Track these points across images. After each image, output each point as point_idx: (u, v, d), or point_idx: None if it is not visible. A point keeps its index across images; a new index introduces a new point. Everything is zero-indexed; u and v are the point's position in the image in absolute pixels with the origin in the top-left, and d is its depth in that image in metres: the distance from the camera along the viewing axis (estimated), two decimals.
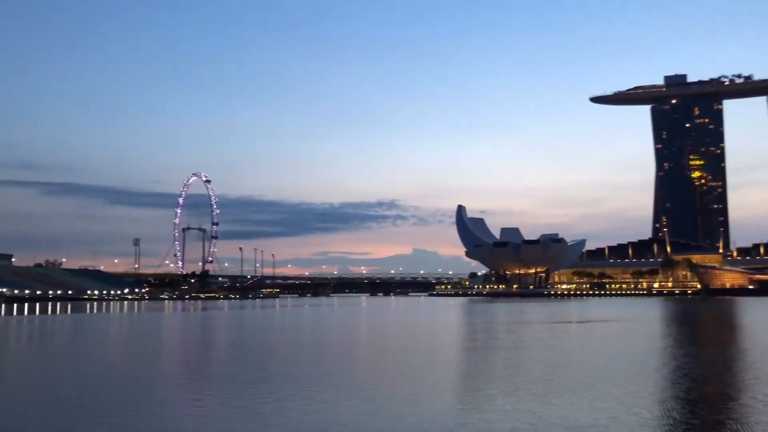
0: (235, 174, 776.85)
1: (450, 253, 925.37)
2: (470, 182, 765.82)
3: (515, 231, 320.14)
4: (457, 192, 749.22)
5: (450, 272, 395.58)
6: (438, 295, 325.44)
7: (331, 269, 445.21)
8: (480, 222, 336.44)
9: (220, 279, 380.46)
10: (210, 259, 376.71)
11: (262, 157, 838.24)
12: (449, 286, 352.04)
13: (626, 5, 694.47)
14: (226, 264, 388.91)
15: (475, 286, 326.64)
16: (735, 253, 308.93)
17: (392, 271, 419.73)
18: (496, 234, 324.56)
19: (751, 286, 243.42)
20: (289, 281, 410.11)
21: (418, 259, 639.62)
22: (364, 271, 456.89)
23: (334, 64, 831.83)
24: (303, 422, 21.28)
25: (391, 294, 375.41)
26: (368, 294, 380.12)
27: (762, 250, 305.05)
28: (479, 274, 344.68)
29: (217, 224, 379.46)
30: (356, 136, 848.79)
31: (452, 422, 21.07)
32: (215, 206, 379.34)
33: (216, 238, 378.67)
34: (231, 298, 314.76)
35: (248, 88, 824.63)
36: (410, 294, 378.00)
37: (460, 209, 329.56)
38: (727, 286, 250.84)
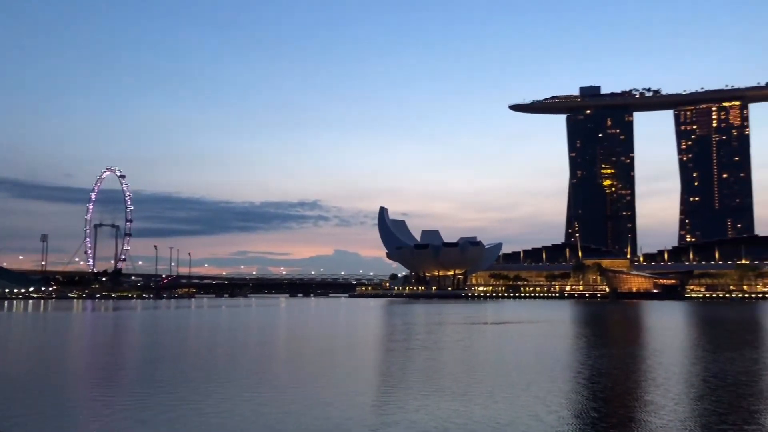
0: (151, 170, 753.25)
1: (371, 254, 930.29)
2: (393, 185, 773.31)
3: (435, 234, 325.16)
4: (379, 194, 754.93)
5: (371, 273, 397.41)
6: (359, 296, 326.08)
7: (249, 269, 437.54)
8: (402, 224, 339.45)
9: (133, 278, 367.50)
10: (123, 257, 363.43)
11: (181, 153, 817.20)
12: (370, 288, 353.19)
13: (546, 18, 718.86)
14: (140, 262, 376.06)
15: (396, 288, 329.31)
16: (641, 259, 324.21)
17: (313, 272, 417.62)
18: (417, 236, 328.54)
19: (655, 290, 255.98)
20: (206, 281, 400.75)
21: (340, 260, 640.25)
22: (284, 272, 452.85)
23: (258, 61, 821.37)
24: (225, 426, 20.69)
25: (311, 295, 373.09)
26: (288, 295, 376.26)
27: (666, 255, 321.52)
28: (400, 275, 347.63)
29: (131, 221, 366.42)
30: (280, 135, 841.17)
31: (378, 422, 21.00)
32: (129, 202, 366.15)
33: (129, 235, 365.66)
34: (144, 298, 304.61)
35: (168, 82, 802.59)
36: (331, 295, 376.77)
37: (383, 211, 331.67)
38: (634, 289, 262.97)
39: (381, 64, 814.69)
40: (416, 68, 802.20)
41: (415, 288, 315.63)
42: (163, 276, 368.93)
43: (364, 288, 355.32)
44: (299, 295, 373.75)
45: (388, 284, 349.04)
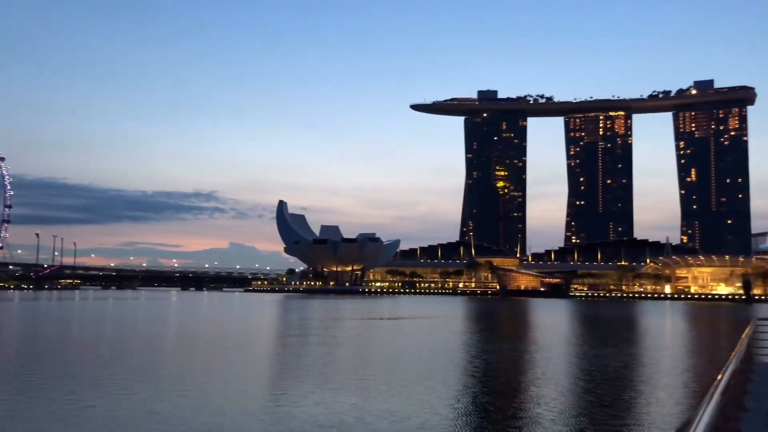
0: (34, 153, 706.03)
1: (269, 248, 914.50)
2: (293, 178, 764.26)
3: (335, 229, 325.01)
4: (278, 187, 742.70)
5: (268, 268, 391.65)
6: (254, 291, 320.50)
7: (139, 261, 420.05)
8: (301, 218, 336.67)
9: (11, 267, 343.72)
10: (0, 244, 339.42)
11: (68, 137, 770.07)
12: (266, 282, 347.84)
13: (449, 21, 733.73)
14: (20, 251, 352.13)
15: (293, 283, 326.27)
16: (530, 258, 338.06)
17: (207, 266, 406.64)
18: (316, 231, 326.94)
19: (542, 288, 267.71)
20: (92, 272, 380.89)
21: (235, 253, 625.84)
22: (176, 265, 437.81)
23: (155, 44, 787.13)
24: (109, 423, 19.62)
25: (204, 289, 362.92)
26: (179, 288, 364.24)
27: (553, 256, 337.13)
28: (297, 270, 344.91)
29: (10, 206, 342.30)
30: (176, 122, 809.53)
31: (275, 416, 20.59)
32: (9, 187, 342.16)
33: (8, 222, 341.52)
34: (23, 289, 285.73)
35: (56, 62, 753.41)
36: (225, 289, 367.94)
37: (281, 205, 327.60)
38: (522, 287, 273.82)
39: (284, 56, 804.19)
40: (320, 63, 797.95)
41: (312, 283, 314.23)
42: (45, 266, 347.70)
43: (260, 282, 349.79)
44: (191, 288, 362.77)
45: (285, 279, 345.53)
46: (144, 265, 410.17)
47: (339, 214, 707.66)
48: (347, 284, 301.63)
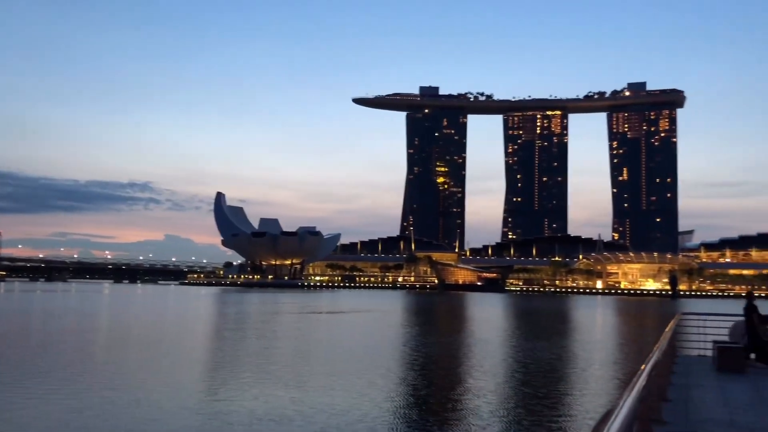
0: None
1: (206, 241, 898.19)
2: (231, 170, 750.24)
3: (274, 222, 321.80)
4: (217, 179, 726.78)
5: (204, 261, 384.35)
6: (190, 284, 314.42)
7: (70, 252, 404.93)
8: (239, 211, 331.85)
9: None
10: None
11: None
12: (202, 275, 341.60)
13: (393, 15, 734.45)
14: None
15: (230, 276, 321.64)
16: (468, 253, 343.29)
17: (141, 258, 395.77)
18: (255, 224, 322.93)
19: (479, 283, 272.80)
20: (19, 263, 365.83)
21: (171, 245, 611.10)
22: (109, 256, 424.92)
23: (90, 29, 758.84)
24: (37, 422, 19.01)
25: (138, 281, 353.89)
26: (112, 281, 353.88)
27: (490, 251, 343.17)
28: (235, 263, 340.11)
29: None
30: (111, 110, 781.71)
31: (214, 410, 20.36)
32: None
33: None
34: None
35: None
36: (160, 282, 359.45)
37: (219, 196, 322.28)
38: (460, 282, 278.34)
39: (225, 45, 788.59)
40: (262, 52, 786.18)
41: (250, 277, 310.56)
42: None
43: (196, 276, 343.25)
44: (125, 281, 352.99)
45: (222, 272, 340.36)
46: (75, 256, 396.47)
47: (279, 207, 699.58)
48: (286, 278, 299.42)
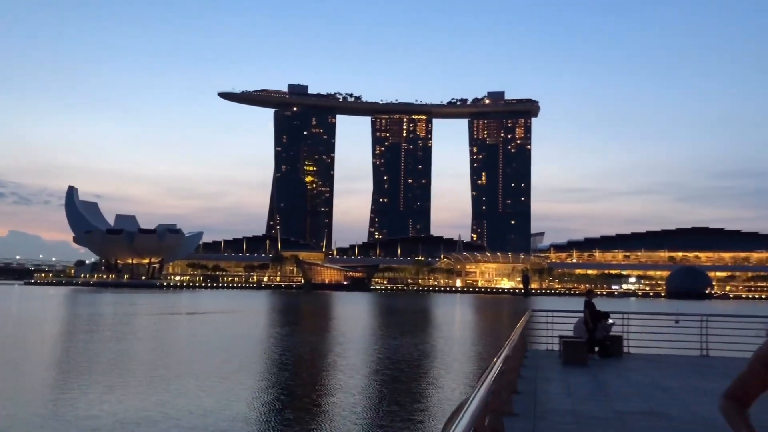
0: None
1: (55, 238, 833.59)
2: (85, 163, 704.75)
3: (131, 219, 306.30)
4: (69, 171, 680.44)
5: (53, 259, 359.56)
6: (37, 283, 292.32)
7: None
8: (93, 206, 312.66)
9: None
10: None
11: None
12: (51, 275, 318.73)
13: (263, 12, 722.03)
14: None
15: (82, 275, 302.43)
16: (335, 252, 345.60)
17: None
18: (111, 220, 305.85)
19: (345, 282, 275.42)
20: None
21: (16, 242, 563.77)
22: None
23: None
24: None
25: None
26: None
27: (357, 250, 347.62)
28: (88, 262, 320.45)
29: None
30: None
31: (74, 415, 19.52)
32: None
33: None
34: None
35: None
36: (1, 282, 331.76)
37: (71, 191, 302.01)
38: (327, 281, 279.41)
39: (80, 28, 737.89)
40: (120, 38, 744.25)
41: (104, 276, 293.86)
42: None
43: (44, 275, 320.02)
44: None
45: (73, 271, 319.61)
46: None
47: (137, 203, 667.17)
48: (143, 277, 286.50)
